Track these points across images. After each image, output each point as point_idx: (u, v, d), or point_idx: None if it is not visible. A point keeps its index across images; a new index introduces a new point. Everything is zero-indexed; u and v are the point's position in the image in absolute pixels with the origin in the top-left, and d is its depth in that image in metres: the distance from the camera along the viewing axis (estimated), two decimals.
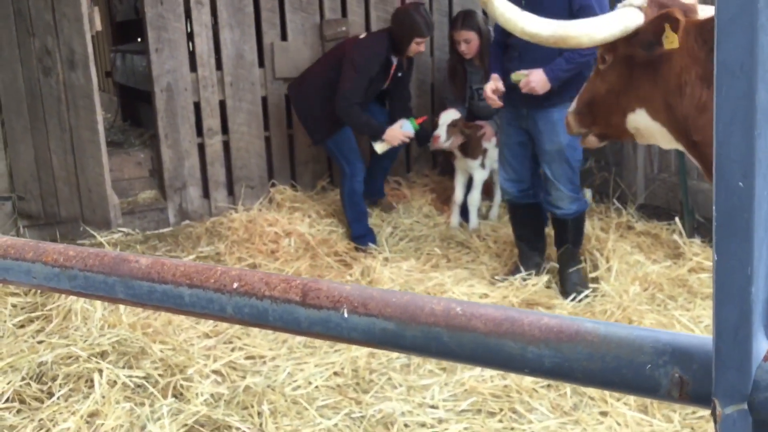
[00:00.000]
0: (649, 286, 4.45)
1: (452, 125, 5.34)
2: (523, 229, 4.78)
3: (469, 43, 5.40)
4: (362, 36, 5.47)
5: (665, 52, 2.66)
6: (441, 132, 5.31)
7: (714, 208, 0.54)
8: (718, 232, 0.54)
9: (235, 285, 0.75)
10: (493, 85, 4.37)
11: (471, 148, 5.46)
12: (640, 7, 2.77)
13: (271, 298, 0.73)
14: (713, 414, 0.57)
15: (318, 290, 0.72)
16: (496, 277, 4.75)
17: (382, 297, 0.69)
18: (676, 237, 5.05)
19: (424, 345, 0.67)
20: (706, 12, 2.76)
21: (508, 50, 4.38)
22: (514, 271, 4.75)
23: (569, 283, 4.48)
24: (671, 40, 2.62)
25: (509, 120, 4.53)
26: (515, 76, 4.19)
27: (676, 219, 5.14)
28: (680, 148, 2.95)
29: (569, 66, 4.08)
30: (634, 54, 2.80)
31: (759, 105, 0.53)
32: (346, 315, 0.70)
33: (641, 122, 2.92)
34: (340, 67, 5.22)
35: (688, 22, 2.65)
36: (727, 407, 0.56)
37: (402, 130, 5.25)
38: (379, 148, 5.31)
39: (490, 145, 5.51)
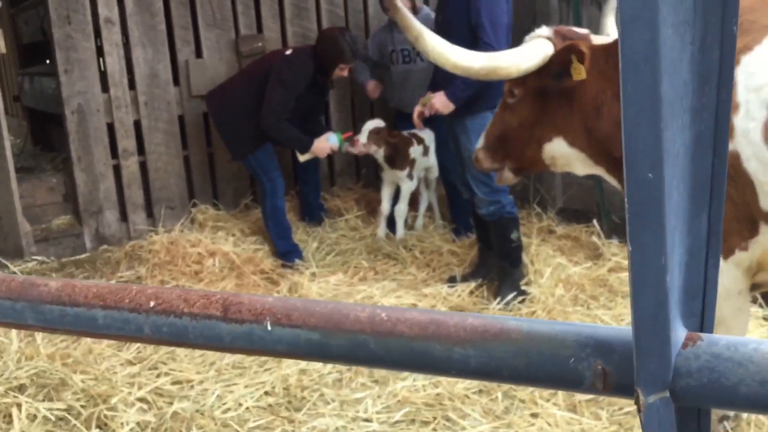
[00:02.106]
0: (572, 288, 4.56)
1: (375, 132, 5.36)
2: (477, 230, 4.93)
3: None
4: (288, 52, 5.43)
5: (574, 82, 2.72)
6: (362, 136, 5.33)
7: (626, 200, 0.55)
8: (631, 224, 0.55)
9: (152, 303, 0.72)
10: (420, 108, 4.60)
11: (398, 159, 5.49)
12: (548, 38, 2.85)
13: (191, 315, 0.71)
14: (637, 403, 0.57)
15: (239, 304, 0.70)
16: (449, 285, 4.75)
17: (306, 307, 0.68)
18: (594, 239, 5.19)
19: (351, 353, 0.66)
20: (599, 40, 2.86)
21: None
22: (469, 276, 4.82)
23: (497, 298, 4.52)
24: (578, 72, 2.67)
25: (447, 129, 4.73)
26: (423, 99, 4.52)
27: (594, 221, 5.29)
28: (597, 172, 2.95)
29: (466, 87, 4.26)
30: (546, 85, 2.82)
31: (664, 97, 0.54)
32: (269, 327, 0.68)
33: (558, 151, 2.91)
34: (264, 81, 5.17)
35: (594, 48, 2.73)
36: (650, 396, 0.56)
37: (328, 143, 5.25)
38: (302, 158, 5.33)
39: (418, 155, 5.55)
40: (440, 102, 4.40)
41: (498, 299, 4.45)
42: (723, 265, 2.56)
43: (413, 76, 5.58)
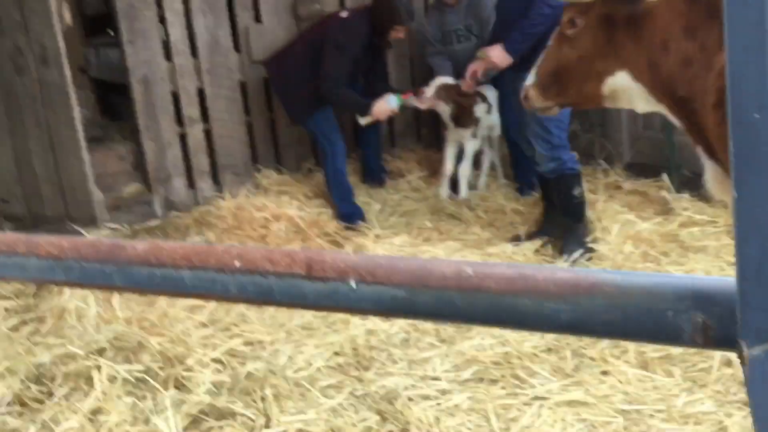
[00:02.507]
0: (641, 244, 4.46)
1: (444, 88, 5.30)
2: (541, 188, 4.87)
3: None
4: (343, 15, 5.41)
5: (647, 7, 2.59)
6: (429, 90, 5.27)
7: (730, 143, 0.52)
8: (736, 168, 0.52)
9: (237, 263, 0.73)
10: (475, 66, 4.67)
11: (463, 118, 5.43)
12: None
13: (275, 274, 0.71)
14: (740, 356, 0.55)
15: (323, 262, 0.70)
16: (513, 244, 4.71)
17: (390, 264, 0.67)
18: (664, 193, 5.06)
19: (437, 310, 0.65)
20: None
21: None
22: (534, 234, 4.76)
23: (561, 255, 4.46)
24: None
25: (508, 85, 4.66)
26: (480, 53, 4.47)
27: (664, 175, 5.15)
28: (658, 109, 2.80)
29: (524, 38, 4.17)
30: (613, 13, 2.68)
31: None
32: (354, 285, 0.68)
33: (621, 85, 2.78)
34: (321, 46, 5.18)
35: None
36: (754, 348, 0.54)
37: (388, 105, 5.23)
38: (363, 120, 5.33)
39: (482, 114, 5.48)
40: (498, 54, 4.33)
41: (564, 256, 4.39)
42: None
43: (470, 53, 5.45)
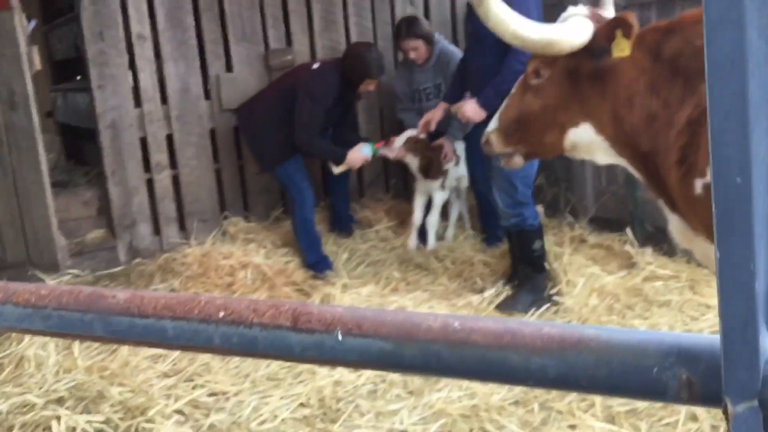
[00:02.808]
0: (606, 297, 4.51)
1: (413, 140, 5.39)
2: (508, 239, 4.93)
3: (417, 50, 5.53)
4: (315, 66, 5.49)
5: (612, 63, 2.63)
6: (399, 140, 5.35)
7: (713, 205, 0.54)
8: (718, 230, 0.54)
9: (222, 314, 0.72)
10: (430, 115, 4.94)
11: (433, 170, 5.50)
12: (586, 16, 2.77)
13: (261, 325, 0.71)
14: (725, 413, 0.56)
15: (309, 314, 0.70)
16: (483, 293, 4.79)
17: (377, 316, 0.68)
18: (628, 247, 5.14)
19: (424, 363, 0.65)
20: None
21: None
22: (502, 281, 4.84)
23: (515, 303, 4.51)
24: (622, 47, 2.56)
25: (477, 138, 4.68)
26: (453, 108, 4.58)
27: (627, 230, 5.24)
28: (619, 161, 2.84)
29: (497, 93, 4.21)
30: (579, 66, 2.71)
31: (751, 100, 0.53)
32: (340, 338, 0.68)
33: (583, 137, 2.80)
34: (292, 95, 5.23)
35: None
36: (739, 405, 0.55)
37: (362, 153, 5.29)
38: (337, 169, 5.37)
39: (451, 166, 5.56)
40: (471, 109, 4.41)
41: (519, 306, 4.44)
42: None
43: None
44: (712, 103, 0.54)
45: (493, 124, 3.04)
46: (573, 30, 2.66)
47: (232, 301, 0.74)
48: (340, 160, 5.31)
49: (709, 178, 2.45)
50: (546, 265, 4.67)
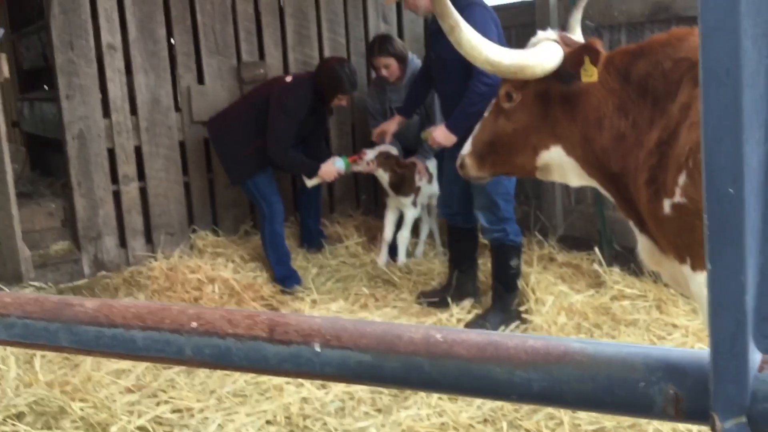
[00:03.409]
0: (574, 316, 4.53)
1: (384, 156, 5.38)
2: (453, 251, 5.00)
3: (389, 67, 5.55)
4: (288, 79, 5.47)
5: (582, 86, 2.65)
6: (370, 154, 5.33)
7: (705, 216, 0.53)
8: (710, 241, 0.53)
9: (194, 324, 0.70)
10: (385, 127, 5.04)
11: (404, 186, 5.50)
12: (555, 41, 2.80)
13: (235, 336, 0.68)
14: (712, 429, 0.55)
15: (286, 324, 0.68)
16: (420, 300, 4.91)
17: (356, 328, 0.66)
18: (596, 266, 5.16)
19: (405, 376, 0.63)
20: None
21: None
22: (437, 293, 4.91)
23: (485, 322, 4.52)
24: (590, 73, 2.60)
25: (448, 153, 4.74)
26: (424, 134, 4.68)
27: (596, 249, 5.27)
28: (590, 183, 2.87)
29: (465, 117, 4.31)
30: (549, 89, 2.74)
31: (745, 110, 0.52)
32: (318, 349, 0.65)
33: (554, 160, 2.83)
34: (264, 108, 5.21)
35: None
36: (727, 421, 0.54)
37: (335, 167, 5.27)
38: (310, 182, 5.34)
39: (423, 183, 5.56)
40: (441, 134, 4.48)
41: (488, 324, 4.45)
42: None
43: (410, 128, 5.56)
44: (706, 111, 0.53)
45: (466, 148, 3.07)
46: (543, 55, 2.70)
47: (206, 311, 0.72)
48: (312, 173, 5.29)
49: (677, 198, 2.47)
50: (518, 285, 4.69)
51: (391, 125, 5.14)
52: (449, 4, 2.59)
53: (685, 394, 0.57)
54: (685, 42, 2.57)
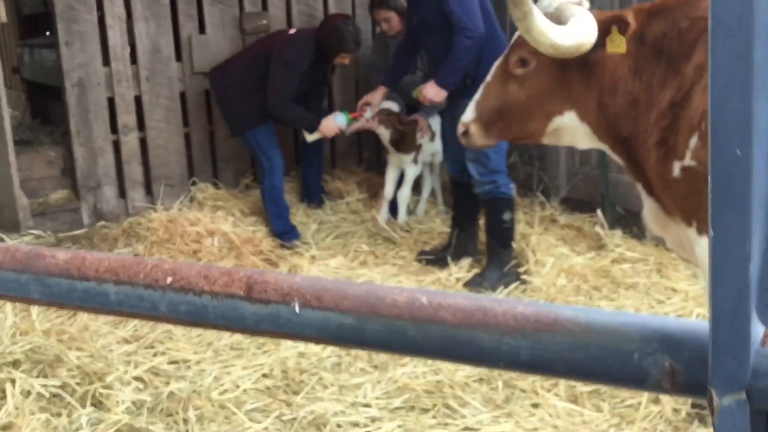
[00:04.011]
0: (574, 278, 4.51)
1: (385, 113, 5.30)
2: (456, 208, 4.99)
3: (389, 21, 5.48)
4: (291, 32, 5.38)
5: (601, 53, 2.58)
6: (369, 112, 5.26)
7: (710, 178, 0.49)
8: (714, 205, 0.49)
9: (169, 280, 0.66)
10: (369, 98, 5.07)
11: (405, 144, 5.43)
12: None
13: (212, 293, 0.65)
14: (709, 405, 0.52)
15: (265, 283, 0.64)
16: (420, 258, 4.91)
17: (338, 288, 0.62)
18: (598, 229, 5.13)
19: (387, 340, 0.60)
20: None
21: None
22: (437, 252, 4.91)
23: (483, 280, 4.52)
24: (618, 44, 2.51)
25: (447, 107, 4.78)
26: (414, 92, 4.67)
27: (598, 211, 5.23)
28: (601, 147, 2.84)
29: (452, 71, 4.38)
30: None
31: (757, 64, 0.48)
32: (297, 310, 0.62)
33: (567, 125, 2.78)
34: (266, 60, 5.13)
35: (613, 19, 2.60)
36: (725, 397, 0.51)
37: (336, 122, 5.21)
38: (310, 137, 5.29)
39: (425, 141, 5.50)
40: (432, 91, 4.49)
41: (486, 283, 4.45)
42: None
43: (413, 84, 5.48)
44: (714, 66, 0.49)
45: (469, 115, 2.95)
46: (590, 29, 2.56)
47: (182, 266, 0.68)
48: (313, 128, 5.22)
49: (687, 161, 2.43)
50: (513, 240, 4.68)
51: (376, 96, 5.09)
52: None
53: (682, 367, 0.54)
54: (703, 1, 2.50)
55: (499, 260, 4.58)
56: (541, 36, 2.51)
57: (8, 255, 0.72)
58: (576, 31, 2.56)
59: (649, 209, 2.79)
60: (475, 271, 4.70)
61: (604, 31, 2.56)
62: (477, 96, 2.95)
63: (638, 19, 2.58)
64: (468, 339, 0.58)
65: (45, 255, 0.72)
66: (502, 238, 4.61)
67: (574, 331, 0.56)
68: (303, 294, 0.63)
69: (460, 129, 3.00)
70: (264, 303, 0.64)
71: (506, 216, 4.59)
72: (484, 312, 0.58)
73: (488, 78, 2.92)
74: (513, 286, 4.46)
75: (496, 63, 2.90)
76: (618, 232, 5.08)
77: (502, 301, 0.60)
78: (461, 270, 4.74)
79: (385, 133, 5.40)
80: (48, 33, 7.01)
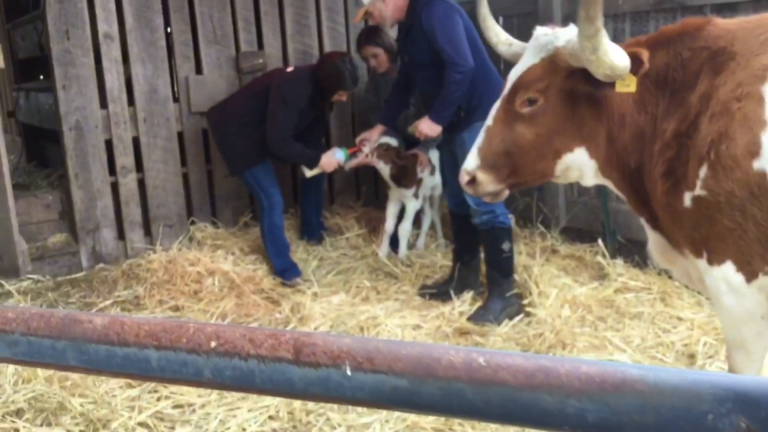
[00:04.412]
0: (578, 309, 4.49)
1: (384, 148, 5.31)
2: (457, 242, 4.99)
3: (377, 57, 5.54)
4: (289, 69, 5.42)
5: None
6: (367, 147, 5.26)
7: None
8: None
9: (213, 344, 0.64)
10: (367, 135, 5.12)
11: (406, 178, 5.45)
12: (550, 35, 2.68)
13: (258, 357, 0.63)
14: None
15: (313, 345, 0.62)
16: (422, 291, 4.91)
17: (390, 349, 0.60)
18: (599, 258, 5.12)
19: (445, 403, 0.58)
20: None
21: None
22: (439, 286, 4.92)
23: (486, 313, 4.50)
24: (628, 83, 2.45)
25: (444, 142, 4.85)
26: (410, 128, 4.70)
27: (599, 241, 5.23)
28: (605, 183, 2.77)
29: (445, 105, 4.43)
30: (575, 89, 2.59)
31: None
32: (349, 372, 0.60)
33: (576, 162, 2.70)
34: (264, 98, 5.14)
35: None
36: None
37: (335, 157, 5.22)
38: (309, 173, 5.30)
39: (425, 175, 5.51)
40: (426, 126, 4.52)
41: (491, 315, 4.44)
42: (746, 288, 2.50)
43: (409, 119, 5.51)
44: None
45: (473, 162, 2.80)
46: (622, 53, 2.48)
47: (225, 329, 0.66)
48: (313, 163, 5.23)
49: (697, 190, 2.42)
50: (514, 270, 4.68)
51: (373, 133, 5.12)
52: (601, 7, 2.37)
53: (758, 427, 0.52)
54: (703, 31, 2.51)
55: (500, 291, 4.58)
56: (605, 55, 2.41)
57: (43, 321, 0.70)
58: (622, 56, 2.47)
59: (654, 243, 2.77)
60: (479, 304, 4.67)
61: None
62: (478, 142, 2.82)
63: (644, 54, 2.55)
64: (531, 402, 0.56)
65: (82, 320, 0.70)
66: (502, 268, 4.61)
67: (644, 392, 0.54)
68: (354, 356, 0.61)
69: (465, 178, 2.84)
70: (313, 366, 0.62)
71: (505, 246, 4.59)
72: (546, 372, 0.56)
73: (488, 122, 2.80)
74: (518, 318, 4.43)
75: (495, 106, 2.80)
76: (620, 261, 5.07)
77: (564, 360, 0.58)
78: (464, 303, 4.72)
79: (384, 168, 5.41)
80: (42, 77, 7.04)
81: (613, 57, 2.40)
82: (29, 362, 0.70)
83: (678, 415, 0.53)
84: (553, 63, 2.62)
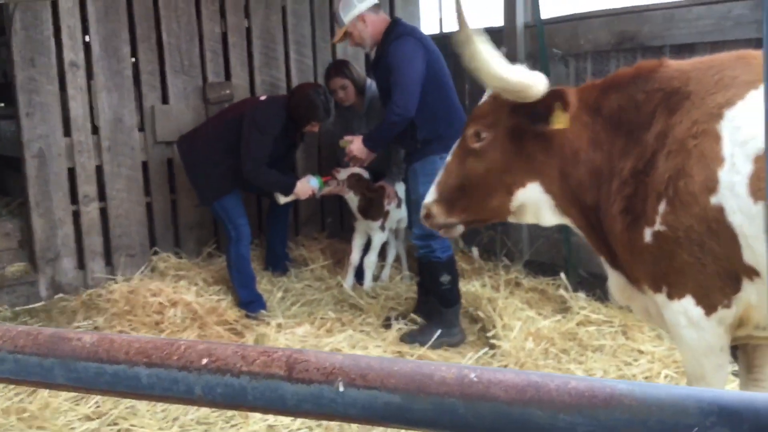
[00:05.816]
0: (542, 341, 4.52)
1: (356, 178, 5.36)
2: (422, 275, 4.99)
3: (346, 89, 5.57)
4: (262, 98, 5.43)
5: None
6: (343, 173, 5.30)
7: (764, 217, 0.50)
8: None
9: (205, 361, 0.65)
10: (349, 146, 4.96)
11: (373, 211, 5.47)
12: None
13: (250, 373, 0.63)
14: None
15: (306, 362, 0.63)
16: (387, 322, 4.91)
17: (383, 365, 0.61)
18: (562, 291, 5.18)
19: (437, 419, 0.59)
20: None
21: None
22: (406, 316, 4.96)
23: (419, 335, 4.59)
24: (561, 120, 2.54)
25: (408, 175, 4.86)
26: (342, 142, 4.78)
27: (562, 274, 5.29)
28: (564, 221, 2.80)
29: (379, 137, 4.58)
30: (521, 124, 2.65)
31: None
32: (341, 389, 0.61)
33: (531, 198, 2.73)
34: (237, 127, 5.13)
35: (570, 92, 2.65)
36: None
37: (310, 185, 5.23)
38: (283, 200, 5.31)
39: (392, 208, 5.54)
40: (357, 147, 4.63)
41: (422, 337, 4.52)
42: (705, 322, 2.54)
43: (380, 155, 5.56)
44: None
45: (431, 196, 2.89)
46: (538, 77, 2.60)
47: (217, 347, 0.67)
48: (288, 191, 5.23)
49: (657, 226, 2.48)
50: (457, 299, 4.74)
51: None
52: (467, 20, 2.50)
53: None
54: (656, 73, 2.59)
55: (440, 319, 4.64)
56: (484, 64, 2.51)
57: (30, 338, 0.69)
58: (523, 73, 2.58)
59: (613, 281, 2.81)
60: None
61: (547, 107, 2.58)
62: (438, 177, 2.89)
63: (593, 94, 2.64)
64: (522, 416, 0.57)
65: (70, 337, 0.69)
66: (441, 298, 4.72)
67: (632, 407, 0.56)
68: (347, 372, 0.62)
69: (423, 211, 2.92)
70: (306, 383, 0.63)
71: (443, 278, 4.68)
72: (536, 388, 0.58)
73: (448, 157, 2.87)
74: (482, 351, 4.45)
75: (456, 142, 2.86)
76: (582, 295, 5.13)
77: (554, 376, 0.59)
78: (405, 327, 4.78)
79: (354, 199, 5.44)
80: (4, 104, 6.95)
81: (495, 66, 2.50)
82: (15, 380, 0.70)
83: (665, 428, 0.55)
84: (497, 99, 2.71)
